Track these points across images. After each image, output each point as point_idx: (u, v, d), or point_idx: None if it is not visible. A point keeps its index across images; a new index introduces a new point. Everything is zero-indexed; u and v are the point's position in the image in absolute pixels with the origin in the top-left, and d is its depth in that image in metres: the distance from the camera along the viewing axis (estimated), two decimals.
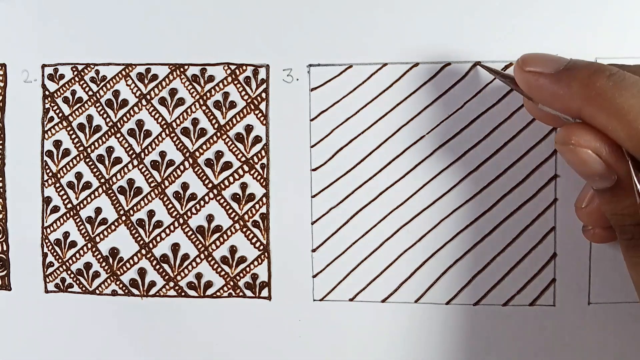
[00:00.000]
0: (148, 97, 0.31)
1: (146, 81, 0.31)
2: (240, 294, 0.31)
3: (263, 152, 0.31)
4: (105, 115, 0.32)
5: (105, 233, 0.32)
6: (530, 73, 0.23)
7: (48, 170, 0.32)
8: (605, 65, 0.22)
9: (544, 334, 0.29)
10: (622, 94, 0.20)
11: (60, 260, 0.32)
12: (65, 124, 0.32)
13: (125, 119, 0.32)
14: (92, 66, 0.32)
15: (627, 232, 0.22)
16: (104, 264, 0.32)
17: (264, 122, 0.31)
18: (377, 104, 0.30)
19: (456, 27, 0.29)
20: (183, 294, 0.31)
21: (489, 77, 0.29)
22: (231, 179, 0.31)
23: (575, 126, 0.22)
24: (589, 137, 0.21)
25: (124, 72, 0.31)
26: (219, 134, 0.31)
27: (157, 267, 0.31)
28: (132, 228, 0.31)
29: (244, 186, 0.31)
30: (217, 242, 0.31)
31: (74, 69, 0.32)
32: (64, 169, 0.32)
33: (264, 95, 0.31)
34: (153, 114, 0.31)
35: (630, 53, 0.28)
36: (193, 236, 0.31)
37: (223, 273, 0.31)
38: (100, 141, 0.32)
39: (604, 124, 0.21)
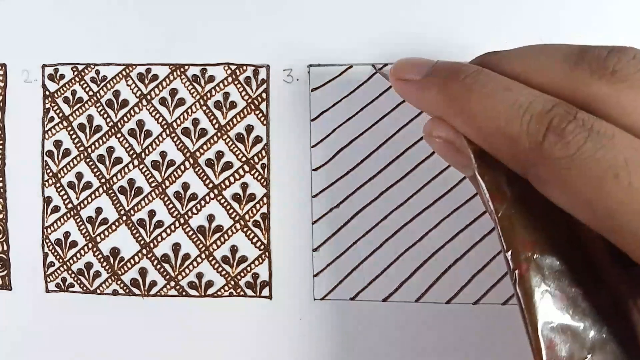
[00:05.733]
0: (148, 97, 0.31)
1: (146, 81, 0.31)
2: (241, 293, 0.31)
3: (263, 152, 0.31)
4: (105, 116, 0.32)
5: (106, 233, 0.32)
6: (399, 81, 0.21)
7: (48, 170, 0.32)
8: (463, 66, 0.20)
9: None
10: (471, 98, 0.19)
11: (61, 260, 0.32)
12: (65, 124, 0.32)
13: (125, 119, 0.32)
14: (92, 66, 0.32)
15: None
16: (104, 263, 0.32)
17: (265, 122, 0.31)
18: (378, 104, 0.30)
19: (456, 27, 0.29)
20: (184, 293, 0.31)
21: None
22: (232, 179, 0.31)
23: (437, 120, 0.21)
24: (448, 130, 0.20)
25: (124, 72, 0.32)
26: (219, 134, 0.31)
27: (158, 266, 0.31)
28: (132, 228, 0.31)
29: (244, 186, 0.31)
30: (218, 242, 0.31)
31: (74, 69, 0.32)
32: (65, 169, 0.32)
33: (264, 95, 0.31)
34: (153, 114, 0.31)
35: None
36: (194, 236, 0.31)
37: (224, 272, 0.31)
38: (100, 141, 0.32)
39: (461, 130, 0.20)
